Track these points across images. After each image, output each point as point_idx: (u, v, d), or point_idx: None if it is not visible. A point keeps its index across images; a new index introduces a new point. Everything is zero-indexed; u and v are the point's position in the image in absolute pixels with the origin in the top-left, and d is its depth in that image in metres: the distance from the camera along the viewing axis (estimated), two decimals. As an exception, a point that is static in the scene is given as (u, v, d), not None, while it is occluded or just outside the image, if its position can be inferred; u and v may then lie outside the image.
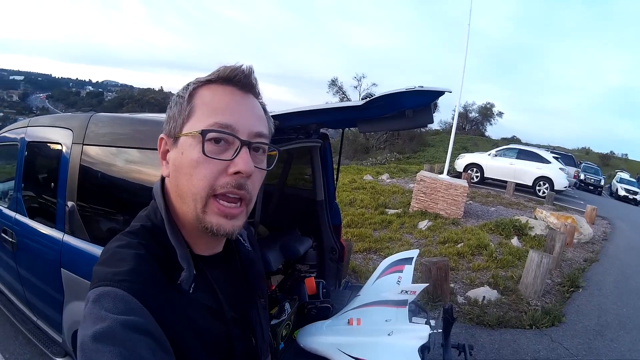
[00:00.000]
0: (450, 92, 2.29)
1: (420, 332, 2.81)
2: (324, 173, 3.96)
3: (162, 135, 1.05)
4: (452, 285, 7.13)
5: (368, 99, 2.28)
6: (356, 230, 9.97)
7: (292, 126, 2.80)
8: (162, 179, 1.07)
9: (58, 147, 3.08)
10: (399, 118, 2.48)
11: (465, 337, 5.42)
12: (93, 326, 0.77)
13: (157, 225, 1.02)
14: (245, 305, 1.16)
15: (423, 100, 2.32)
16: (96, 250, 2.64)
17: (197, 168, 0.94)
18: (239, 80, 0.99)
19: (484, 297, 6.68)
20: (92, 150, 2.78)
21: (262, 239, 3.56)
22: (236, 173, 0.94)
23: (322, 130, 3.66)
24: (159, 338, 0.82)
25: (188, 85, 1.02)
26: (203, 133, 0.93)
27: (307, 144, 3.44)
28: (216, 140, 0.94)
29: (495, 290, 7.09)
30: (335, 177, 4.07)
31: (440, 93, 2.23)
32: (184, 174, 0.96)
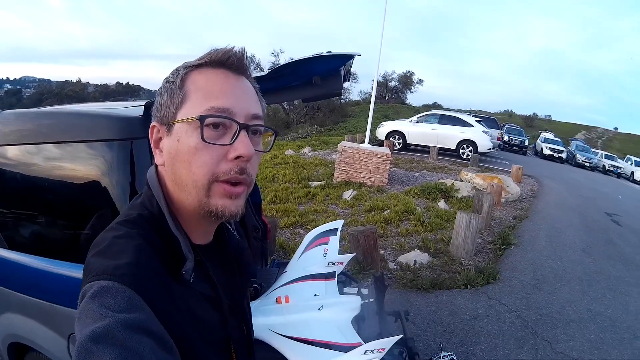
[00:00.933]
0: (360, 55, 2.32)
1: (352, 303, 2.83)
2: None
3: (153, 123, 1.04)
4: (382, 252, 7.12)
5: (273, 67, 2.20)
6: (281, 206, 9.99)
7: None
8: (155, 166, 1.07)
9: None
10: (307, 86, 2.42)
11: (401, 302, 5.40)
12: (92, 324, 0.74)
13: (154, 214, 1.01)
14: (238, 293, 1.18)
15: (331, 65, 2.28)
16: (17, 257, 2.57)
17: (195, 155, 0.94)
18: (232, 63, 1.00)
19: (415, 261, 6.70)
20: (2, 151, 2.66)
21: None
22: (237, 158, 0.95)
23: None
24: (161, 337, 0.80)
25: (178, 70, 1.02)
26: (201, 118, 0.93)
27: None
28: (214, 126, 0.94)
29: (427, 254, 7.13)
30: None
31: (348, 57, 2.22)
32: (182, 162, 0.96)
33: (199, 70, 1.00)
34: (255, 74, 2.31)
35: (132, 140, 2.12)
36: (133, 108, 2.34)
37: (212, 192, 0.95)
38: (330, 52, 2.16)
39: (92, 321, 0.74)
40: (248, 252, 1.30)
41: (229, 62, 0.99)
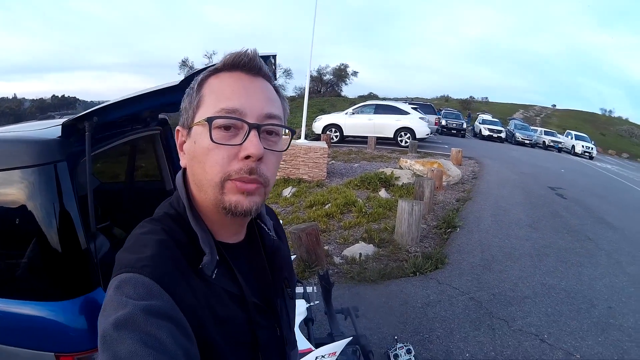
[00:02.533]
0: (275, 54, 2.38)
1: (297, 308, 2.75)
2: (169, 161, 3.90)
3: (178, 127, 1.10)
4: (326, 247, 7.08)
5: (185, 76, 2.14)
6: None
7: (114, 120, 2.59)
8: (185, 169, 1.12)
9: None
10: None
11: (350, 296, 5.34)
12: (114, 313, 0.79)
13: (180, 212, 1.07)
14: (270, 293, 1.18)
15: None
16: None
17: (208, 155, 0.98)
18: (244, 65, 1.03)
19: (361, 253, 6.67)
20: None
21: (119, 242, 3.39)
22: (247, 157, 0.97)
23: (160, 116, 3.60)
24: (180, 323, 0.84)
25: (198, 76, 1.07)
26: (209, 120, 0.97)
27: (145, 133, 3.36)
28: (225, 127, 0.97)
29: (372, 245, 7.13)
30: None
31: (263, 58, 2.15)
32: (198, 162, 1.00)
33: (216, 75, 1.04)
34: (167, 84, 2.25)
35: (55, 164, 2.05)
36: (55, 128, 2.26)
37: (226, 189, 0.98)
38: None
39: (114, 311, 0.80)
40: (283, 253, 1.31)
41: (241, 63, 1.02)
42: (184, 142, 1.07)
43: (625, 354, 4.52)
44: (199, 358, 0.86)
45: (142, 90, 2.41)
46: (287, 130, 1.12)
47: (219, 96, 0.99)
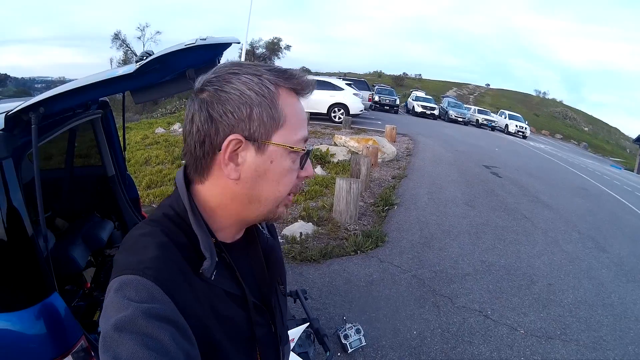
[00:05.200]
0: (238, 42, 2.40)
1: None
2: (110, 145, 3.93)
3: (238, 137, 0.98)
4: None
5: (142, 62, 2.06)
6: (157, 190, 9.65)
7: (61, 110, 2.52)
8: (184, 169, 1.11)
9: None
10: (180, 80, 2.35)
11: (294, 277, 5.41)
12: (115, 315, 0.81)
13: (179, 213, 1.06)
14: (266, 291, 1.22)
15: (207, 56, 2.20)
16: None
17: (286, 176, 1.03)
18: (306, 93, 1.06)
19: (301, 232, 6.73)
20: None
21: (63, 234, 3.52)
22: (305, 177, 1.10)
23: (101, 99, 3.56)
24: (181, 326, 0.86)
25: (262, 81, 0.99)
26: (308, 153, 1.06)
27: (87, 117, 3.29)
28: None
29: (310, 223, 7.20)
30: (122, 146, 4.05)
31: (226, 45, 2.17)
32: (269, 181, 1.02)
33: (285, 90, 1.01)
34: (121, 72, 2.16)
35: (0, 162, 1.97)
36: None
37: (281, 203, 1.07)
38: (205, 39, 2.03)
39: (116, 312, 0.82)
40: (278, 251, 1.35)
41: (304, 92, 1.05)
42: (239, 152, 0.99)
43: (567, 329, 4.79)
44: None
45: (92, 77, 2.30)
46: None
47: (299, 122, 1.04)
